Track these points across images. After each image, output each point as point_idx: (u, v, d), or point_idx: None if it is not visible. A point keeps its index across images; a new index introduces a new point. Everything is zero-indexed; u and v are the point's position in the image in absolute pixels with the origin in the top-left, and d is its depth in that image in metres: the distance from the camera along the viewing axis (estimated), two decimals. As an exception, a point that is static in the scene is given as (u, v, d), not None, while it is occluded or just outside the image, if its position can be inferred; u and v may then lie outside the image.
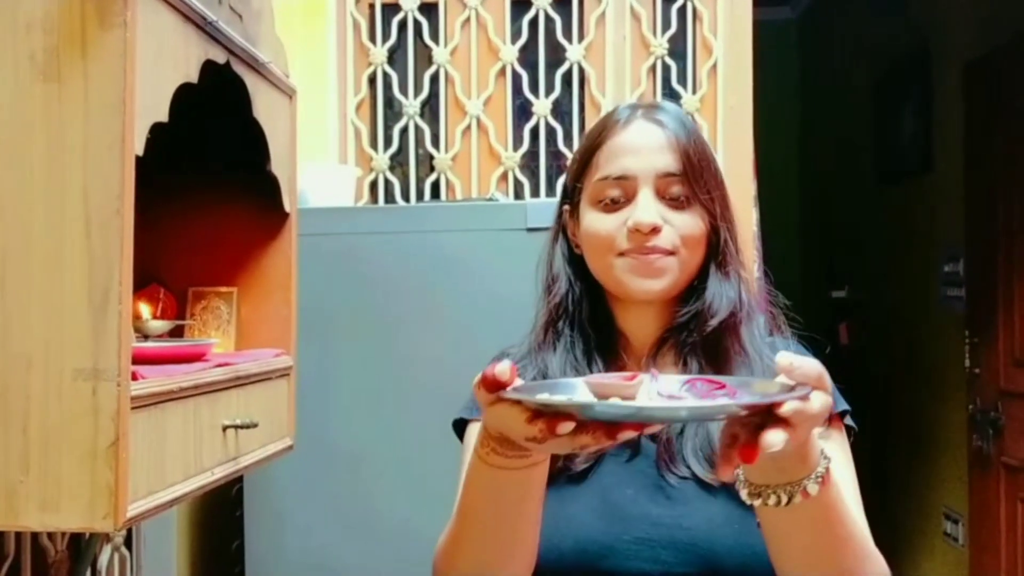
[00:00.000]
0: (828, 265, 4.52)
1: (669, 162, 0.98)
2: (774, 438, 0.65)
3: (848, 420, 1.00)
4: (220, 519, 1.84)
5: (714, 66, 2.22)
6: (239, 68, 1.16)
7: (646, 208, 0.97)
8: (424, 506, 1.68)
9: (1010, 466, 2.90)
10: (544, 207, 1.76)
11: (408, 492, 1.71)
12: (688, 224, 0.98)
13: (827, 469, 0.76)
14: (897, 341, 3.79)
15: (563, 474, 0.96)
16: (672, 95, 2.25)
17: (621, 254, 0.98)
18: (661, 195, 0.98)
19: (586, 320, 1.04)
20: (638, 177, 0.98)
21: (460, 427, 1.06)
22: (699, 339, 1.00)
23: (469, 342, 1.74)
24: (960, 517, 3.25)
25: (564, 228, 1.08)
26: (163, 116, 0.95)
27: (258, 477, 1.70)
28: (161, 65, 0.95)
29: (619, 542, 0.92)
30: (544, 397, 0.70)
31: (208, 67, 1.07)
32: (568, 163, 1.33)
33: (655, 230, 0.97)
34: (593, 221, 1.00)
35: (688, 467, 0.95)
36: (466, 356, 1.75)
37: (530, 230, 1.70)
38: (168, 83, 0.97)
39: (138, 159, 0.89)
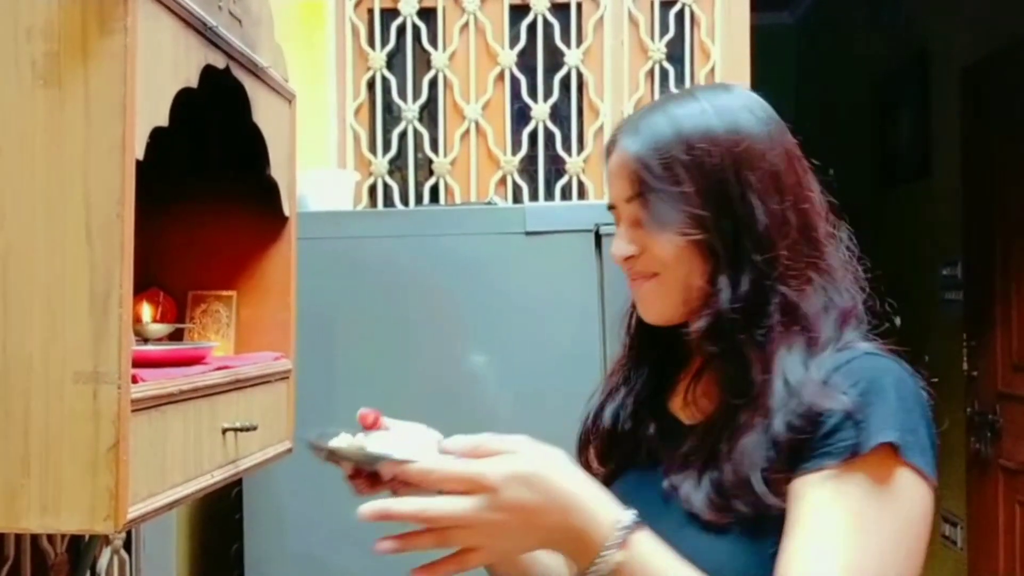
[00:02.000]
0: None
1: (624, 187, 0.93)
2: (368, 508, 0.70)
3: (910, 458, 0.80)
4: (219, 522, 1.84)
5: (712, 70, 2.23)
6: (239, 73, 1.16)
7: (616, 239, 0.95)
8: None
9: (1008, 469, 2.91)
10: (543, 211, 1.78)
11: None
12: (660, 243, 0.90)
13: (624, 539, 0.73)
14: (896, 343, 3.79)
15: None
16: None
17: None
18: (633, 220, 0.93)
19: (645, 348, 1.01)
20: (616, 206, 0.95)
21: None
22: (710, 353, 0.90)
23: (468, 346, 1.75)
24: (959, 520, 3.26)
25: None
26: (163, 121, 0.96)
27: (257, 480, 1.71)
28: (161, 70, 0.95)
29: None
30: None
31: (208, 72, 1.07)
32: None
33: (628, 259, 0.94)
34: None
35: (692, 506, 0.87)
36: (465, 359, 1.77)
37: (529, 234, 1.70)
38: (168, 88, 0.97)
39: (138, 163, 0.90)
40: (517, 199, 2.23)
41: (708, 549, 0.82)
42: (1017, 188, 2.85)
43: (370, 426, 0.88)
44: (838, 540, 0.77)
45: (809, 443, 0.81)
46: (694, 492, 0.86)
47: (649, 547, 0.76)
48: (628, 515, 0.75)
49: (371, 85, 2.29)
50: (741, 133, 0.89)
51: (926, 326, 3.52)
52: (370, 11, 2.29)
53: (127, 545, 1.48)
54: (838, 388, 0.82)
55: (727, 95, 0.94)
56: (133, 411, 0.89)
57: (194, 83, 1.03)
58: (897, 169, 3.77)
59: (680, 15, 2.25)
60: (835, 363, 0.84)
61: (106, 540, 1.41)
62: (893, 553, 0.78)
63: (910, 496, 0.81)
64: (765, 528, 0.81)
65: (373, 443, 0.84)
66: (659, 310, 0.94)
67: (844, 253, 0.95)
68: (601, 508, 0.75)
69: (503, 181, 2.25)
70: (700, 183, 0.88)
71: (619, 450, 1.00)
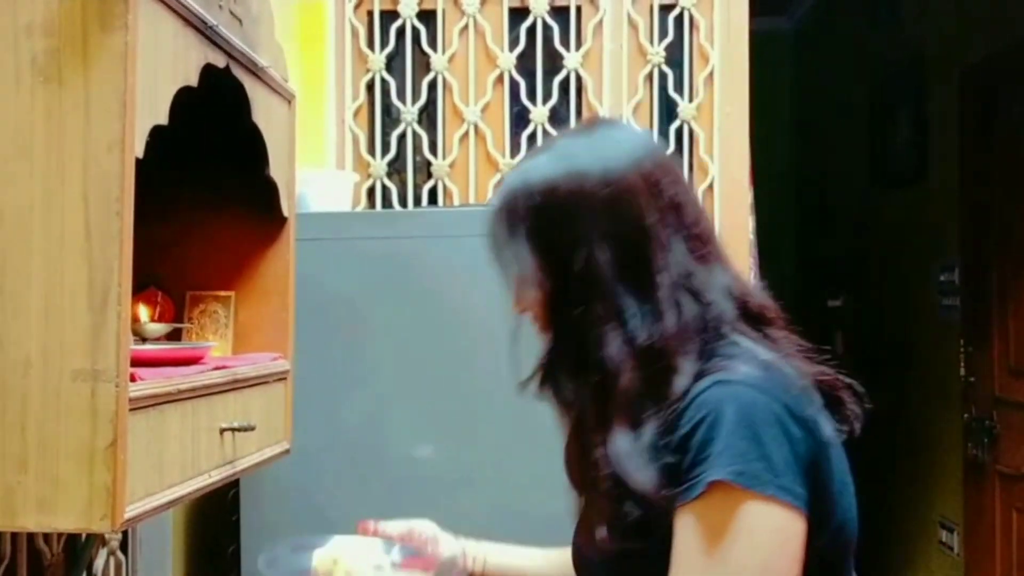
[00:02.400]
0: (825, 274, 4.53)
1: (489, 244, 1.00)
2: None
3: (754, 488, 0.79)
4: (216, 523, 1.84)
5: (711, 74, 2.23)
6: (238, 72, 1.16)
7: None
8: (421, 512, 1.68)
9: (1005, 474, 2.91)
10: (541, 213, 1.77)
11: (405, 498, 1.71)
12: (522, 300, 0.97)
13: None
14: (893, 350, 3.80)
15: None
16: (669, 103, 2.26)
17: None
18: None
19: None
20: None
21: None
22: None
23: (467, 348, 1.75)
24: (955, 526, 3.26)
25: None
26: (163, 119, 0.96)
27: (254, 481, 1.70)
28: (161, 68, 0.95)
29: None
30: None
31: (208, 71, 1.07)
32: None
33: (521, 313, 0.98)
34: None
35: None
36: (464, 362, 1.76)
37: (528, 236, 1.70)
38: (168, 86, 0.97)
39: (138, 162, 0.89)
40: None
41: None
42: (1015, 193, 2.85)
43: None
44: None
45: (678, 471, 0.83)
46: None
47: None
48: None
49: (370, 87, 2.29)
50: (576, 180, 0.90)
51: (923, 332, 3.52)
52: (370, 13, 2.29)
53: (124, 546, 1.47)
54: (667, 447, 0.83)
55: (586, 138, 0.95)
56: (131, 410, 0.88)
57: (194, 82, 1.03)
58: (894, 173, 3.77)
59: (679, 19, 2.25)
60: (688, 399, 0.84)
61: (102, 541, 1.41)
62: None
63: (762, 525, 0.80)
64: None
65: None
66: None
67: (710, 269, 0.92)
68: None
69: (502, 184, 2.24)
70: (538, 239, 0.92)
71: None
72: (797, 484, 0.80)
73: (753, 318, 0.92)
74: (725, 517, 0.79)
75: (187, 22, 1.00)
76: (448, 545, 1.16)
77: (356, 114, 2.28)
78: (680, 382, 0.85)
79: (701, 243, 0.92)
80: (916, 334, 3.59)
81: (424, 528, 1.17)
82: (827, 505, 0.85)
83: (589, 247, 0.89)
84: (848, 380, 0.93)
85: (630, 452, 0.85)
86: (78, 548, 1.32)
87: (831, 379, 0.91)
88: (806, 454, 0.82)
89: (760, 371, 0.84)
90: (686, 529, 0.82)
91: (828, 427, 0.86)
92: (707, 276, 0.91)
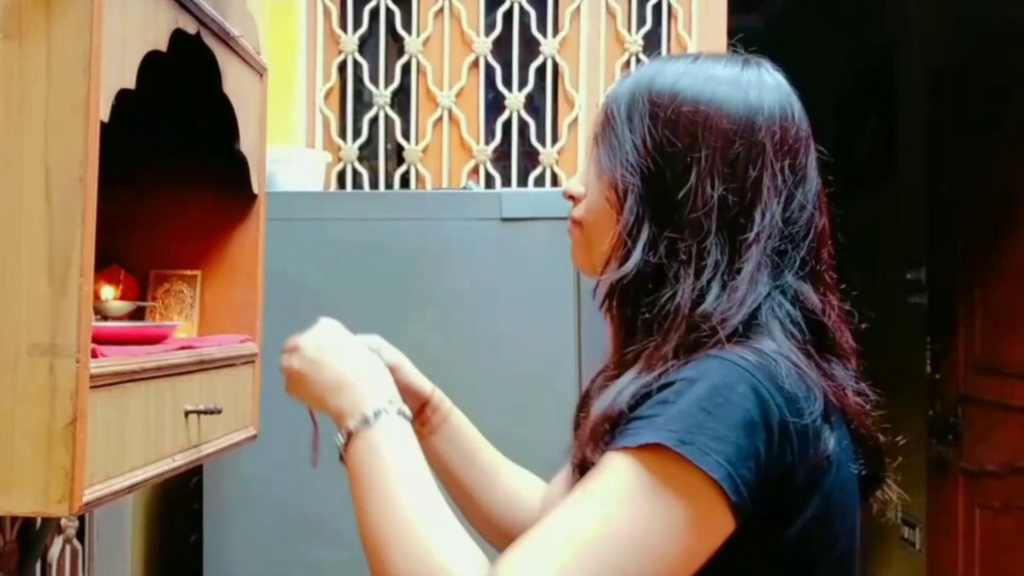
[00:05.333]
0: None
1: (596, 124, 0.91)
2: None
3: (694, 460, 0.72)
4: (178, 512, 1.79)
5: (688, 64, 2.21)
6: (209, 40, 1.12)
7: (574, 177, 0.95)
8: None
9: (969, 471, 2.94)
10: (520, 197, 1.74)
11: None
12: (595, 191, 0.89)
13: (350, 436, 0.85)
14: (859, 346, 3.82)
15: None
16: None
17: None
18: (591, 160, 0.91)
19: None
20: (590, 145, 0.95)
21: None
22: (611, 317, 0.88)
23: (441, 332, 1.71)
24: (918, 522, 3.28)
25: None
26: (130, 83, 0.91)
27: (218, 469, 1.65)
28: (129, 29, 0.91)
29: None
30: None
31: (178, 39, 1.02)
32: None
33: (572, 198, 0.93)
34: None
35: None
36: (437, 346, 1.72)
37: (505, 220, 1.67)
38: (136, 48, 0.92)
39: (103, 128, 0.85)
40: (490, 188, 2.20)
41: None
42: (983, 192, 2.87)
43: None
44: (572, 525, 0.73)
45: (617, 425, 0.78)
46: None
47: (390, 436, 0.85)
48: (384, 403, 0.86)
49: (342, 69, 2.24)
50: (710, 105, 0.83)
51: (889, 329, 3.54)
52: (343, -7, 2.24)
53: (80, 534, 1.42)
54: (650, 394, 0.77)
55: (734, 68, 0.87)
56: (92, 387, 0.84)
57: (163, 46, 0.98)
58: (862, 171, 3.79)
59: (657, 8, 2.23)
60: (686, 360, 0.79)
61: (58, 528, 1.35)
62: (633, 547, 0.72)
63: (679, 500, 0.72)
64: None
65: None
66: (580, 260, 0.94)
67: (789, 276, 0.84)
68: (372, 391, 0.89)
69: (476, 170, 2.21)
70: (649, 139, 0.84)
71: None
72: (739, 475, 0.72)
73: (819, 339, 0.84)
74: (654, 474, 0.72)
75: (157, -17, 0.96)
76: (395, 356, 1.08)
77: (327, 96, 2.23)
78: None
79: (791, 242, 0.84)
80: (882, 331, 3.61)
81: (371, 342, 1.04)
82: (807, 514, 0.78)
83: (700, 178, 0.82)
84: (873, 433, 0.88)
85: (624, 387, 0.79)
86: (32, 535, 1.27)
87: (862, 415, 0.86)
88: (778, 457, 0.75)
89: (761, 359, 0.77)
90: (604, 470, 0.75)
91: (830, 441, 0.78)
92: (784, 276, 0.84)
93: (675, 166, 0.83)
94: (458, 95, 2.22)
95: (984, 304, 2.88)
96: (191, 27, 1.06)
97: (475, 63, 2.22)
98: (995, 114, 2.80)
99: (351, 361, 0.93)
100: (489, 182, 2.20)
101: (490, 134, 2.22)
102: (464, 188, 2.01)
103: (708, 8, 2.22)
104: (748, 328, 0.80)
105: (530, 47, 2.23)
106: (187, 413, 1.07)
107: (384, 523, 0.79)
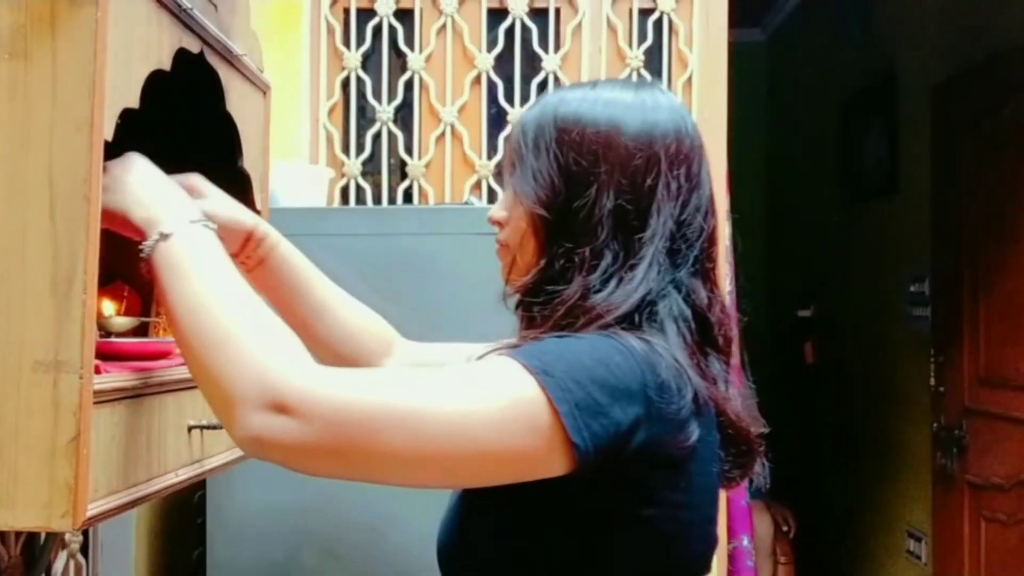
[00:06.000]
0: (796, 284, 4.55)
1: (507, 152, 0.99)
2: None
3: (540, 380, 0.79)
4: (181, 527, 1.79)
5: (689, 79, 2.23)
6: (213, 59, 1.13)
7: (496, 203, 1.01)
8: (393, 517, 1.65)
9: (974, 484, 2.93)
10: (519, 214, 1.74)
11: (376, 504, 1.68)
12: (515, 216, 0.96)
13: (153, 249, 0.87)
14: (863, 360, 3.82)
15: None
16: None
17: None
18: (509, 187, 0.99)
19: None
20: (503, 172, 1.03)
21: None
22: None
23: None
24: (923, 535, 3.27)
25: None
26: (134, 102, 0.92)
27: (221, 484, 1.66)
28: (133, 49, 0.92)
29: None
30: None
31: (181, 57, 1.04)
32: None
33: (496, 223, 1.00)
34: None
35: None
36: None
37: (506, 235, 1.67)
38: (140, 68, 0.93)
39: (107, 146, 0.86)
40: (492, 203, 2.20)
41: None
42: (984, 205, 2.88)
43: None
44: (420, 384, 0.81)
45: None
46: None
47: (197, 245, 0.87)
48: (189, 216, 0.89)
49: (345, 85, 2.26)
50: (610, 126, 0.91)
51: (893, 342, 3.54)
52: (346, 10, 2.26)
53: (84, 549, 1.42)
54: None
55: (629, 91, 0.95)
56: (95, 403, 0.84)
57: (167, 65, 1.00)
58: (866, 184, 3.80)
59: (659, 23, 2.24)
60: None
61: (62, 543, 1.36)
62: (448, 424, 0.78)
63: (526, 412, 0.79)
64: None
65: None
66: (511, 281, 0.99)
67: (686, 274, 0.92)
68: (172, 205, 0.91)
69: (478, 185, 2.22)
70: (556, 163, 0.92)
71: None
72: (588, 429, 0.78)
73: (703, 334, 0.92)
74: (497, 377, 0.80)
75: (160, 3, 0.97)
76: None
77: (331, 113, 2.25)
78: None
79: (685, 242, 0.92)
80: (886, 344, 3.61)
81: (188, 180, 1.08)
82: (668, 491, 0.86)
83: (600, 191, 0.90)
84: (759, 430, 0.94)
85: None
86: (37, 550, 1.28)
87: (739, 418, 0.92)
88: (638, 431, 0.81)
89: (646, 347, 0.84)
90: (471, 364, 0.83)
91: (694, 434, 0.85)
92: (678, 273, 0.92)
93: (580, 184, 0.91)
94: (460, 111, 2.23)
95: (988, 317, 2.88)
96: (194, 46, 1.07)
97: (477, 79, 2.23)
98: (994, 129, 2.81)
99: (151, 183, 0.95)
100: (492, 197, 2.21)
101: (492, 149, 2.23)
102: (466, 203, 2.02)
103: (709, 23, 2.23)
104: (644, 322, 0.88)
105: (532, 63, 2.25)
106: (190, 428, 1.08)
107: (195, 332, 0.83)
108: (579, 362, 0.81)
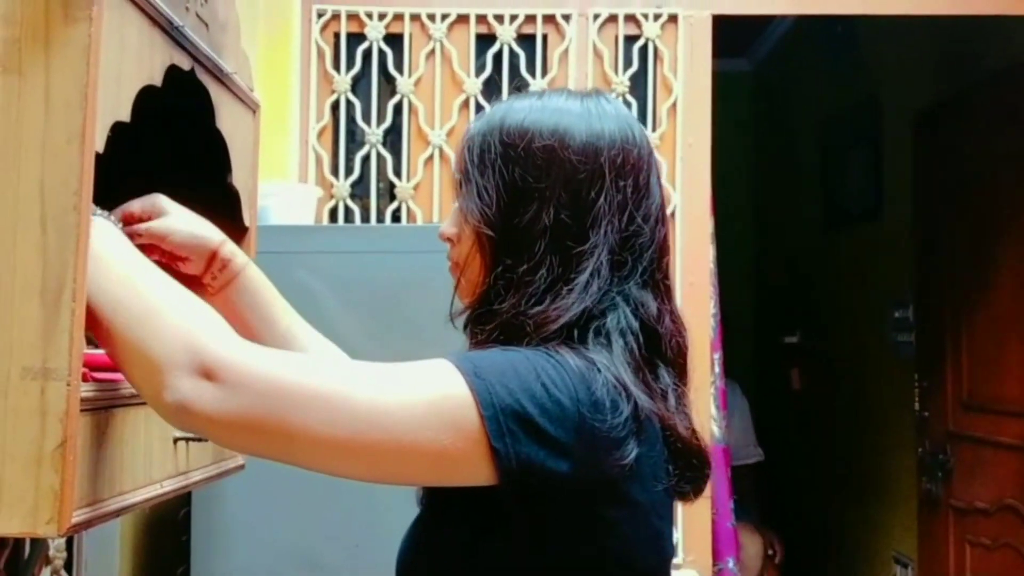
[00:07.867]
0: (782, 310, 4.58)
1: (456, 167, 0.98)
2: None
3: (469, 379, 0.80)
4: (165, 543, 1.79)
5: (674, 105, 2.26)
6: (203, 77, 1.15)
7: (447, 219, 0.99)
8: (378, 534, 1.65)
9: (959, 509, 2.94)
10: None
11: (361, 521, 1.68)
12: (461, 233, 0.95)
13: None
14: (848, 385, 3.84)
15: None
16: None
17: None
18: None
19: None
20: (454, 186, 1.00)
21: None
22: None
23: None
24: (910, 561, 3.28)
25: None
26: (125, 116, 0.94)
27: (206, 500, 1.66)
28: (125, 64, 0.94)
29: None
30: None
31: (172, 74, 1.06)
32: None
33: (448, 240, 0.98)
34: None
35: None
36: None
37: (492, 253, 1.69)
38: (131, 83, 0.95)
39: (98, 159, 0.87)
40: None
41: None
42: (967, 231, 2.91)
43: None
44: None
45: None
46: None
47: (104, 232, 0.87)
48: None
49: (335, 108, 2.28)
50: (555, 136, 0.89)
51: (878, 367, 3.56)
52: (336, 35, 2.29)
53: (68, 565, 1.42)
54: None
55: (576, 100, 0.94)
56: (82, 411, 0.85)
57: (158, 81, 1.01)
58: (849, 211, 3.84)
59: (644, 50, 2.28)
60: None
61: (46, 559, 1.36)
62: (364, 411, 0.78)
63: (451, 407, 0.79)
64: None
65: None
66: (463, 297, 0.98)
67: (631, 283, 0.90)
68: None
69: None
70: (502, 179, 0.90)
71: None
72: (511, 435, 0.77)
73: (652, 346, 0.89)
74: (426, 374, 0.81)
75: (153, 21, 0.99)
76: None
77: (320, 134, 2.27)
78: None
79: (632, 254, 0.90)
80: (871, 370, 3.64)
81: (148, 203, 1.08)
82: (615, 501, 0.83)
83: (543, 205, 0.88)
84: (699, 445, 0.91)
85: None
86: (20, 566, 1.27)
87: (681, 430, 0.89)
88: (565, 446, 0.79)
89: (582, 363, 0.82)
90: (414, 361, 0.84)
91: (631, 453, 0.82)
92: (626, 284, 0.89)
93: (523, 200, 0.89)
94: (449, 134, 2.26)
95: (971, 342, 2.91)
96: (185, 63, 1.09)
97: (465, 103, 2.27)
98: (976, 156, 2.86)
99: None
100: (479, 219, 2.24)
101: (480, 172, 2.25)
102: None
103: (693, 51, 2.27)
104: (589, 338, 0.86)
105: (519, 88, 2.28)
106: (176, 440, 1.09)
107: (118, 308, 0.84)
108: (513, 371, 0.80)
